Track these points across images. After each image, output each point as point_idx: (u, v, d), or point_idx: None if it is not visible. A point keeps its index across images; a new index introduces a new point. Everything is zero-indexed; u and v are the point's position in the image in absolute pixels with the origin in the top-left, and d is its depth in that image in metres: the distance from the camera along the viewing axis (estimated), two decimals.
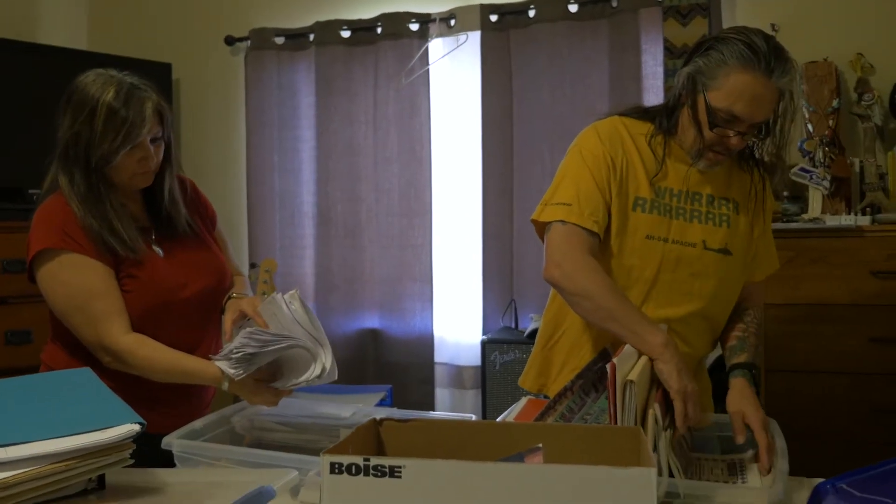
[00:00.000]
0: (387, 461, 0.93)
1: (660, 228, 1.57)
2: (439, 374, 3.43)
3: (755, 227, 1.65)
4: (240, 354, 1.49)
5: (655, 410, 1.30)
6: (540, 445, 1.11)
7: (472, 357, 3.29)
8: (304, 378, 1.53)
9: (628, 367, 1.35)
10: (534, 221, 1.62)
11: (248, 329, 1.55)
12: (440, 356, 3.43)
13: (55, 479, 1.01)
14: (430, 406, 3.39)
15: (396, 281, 3.43)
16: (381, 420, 1.17)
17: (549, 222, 1.56)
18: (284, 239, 3.65)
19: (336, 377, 1.54)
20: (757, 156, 1.63)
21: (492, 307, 3.29)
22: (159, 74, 3.68)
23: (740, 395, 1.48)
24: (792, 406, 2.49)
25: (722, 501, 1.17)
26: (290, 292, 1.59)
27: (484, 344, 3.06)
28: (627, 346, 1.42)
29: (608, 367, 1.31)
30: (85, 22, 4.05)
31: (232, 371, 1.51)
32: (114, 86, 1.60)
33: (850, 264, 2.50)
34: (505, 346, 2.98)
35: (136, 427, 1.08)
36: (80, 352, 1.64)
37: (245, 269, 3.71)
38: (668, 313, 1.57)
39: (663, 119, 1.60)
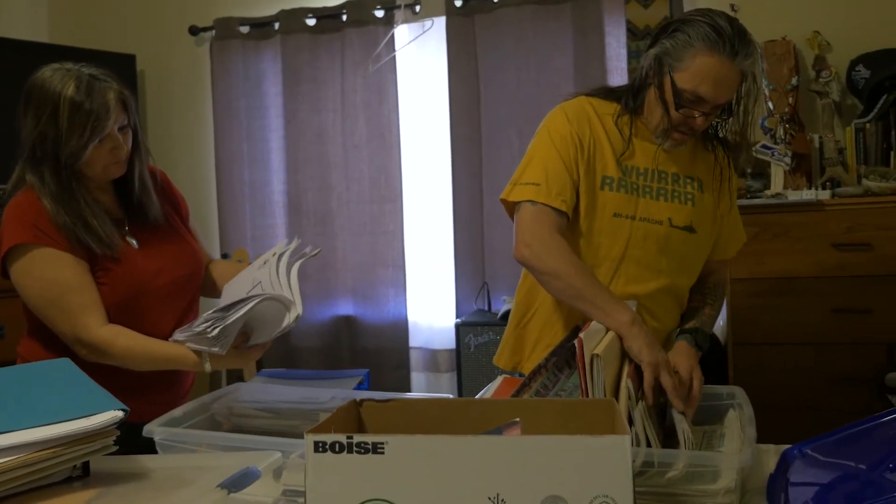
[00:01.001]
0: (369, 438, 0.95)
1: (627, 206, 1.61)
2: (414, 358, 3.47)
3: (720, 205, 1.69)
4: (216, 331, 1.51)
5: (628, 385, 1.34)
6: (518, 420, 1.14)
7: (447, 340, 3.33)
8: (284, 326, 1.56)
9: (595, 342, 1.39)
10: (503, 201, 1.64)
11: (206, 313, 1.58)
12: (415, 341, 3.46)
13: (42, 466, 1.01)
14: (407, 390, 3.42)
15: (369, 267, 3.45)
16: (362, 401, 1.18)
17: (519, 202, 1.59)
18: (255, 229, 3.64)
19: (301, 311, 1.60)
20: (721, 136, 1.67)
21: (464, 290, 3.32)
22: (123, 66, 3.64)
23: (676, 351, 1.54)
24: (759, 378, 2.56)
25: (693, 468, 1.21)
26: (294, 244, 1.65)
27: (458, 327, 3.09)
28: (594, 322, 1.46)
29: (576, 343, 1.35)
30: (45, 14, 3.98)
31: (216, 349, 1.54)
32: (73, 79, 1.57)
33: (812, 237, 2.57)
34: (479, 328, 3.01)
35: (120, 413, 1.09)
36: (57, 345, 1.63)
37: None
38: (637, 290, 1.61)
39: (629, 99, 1.63)
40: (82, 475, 1.10)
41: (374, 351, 3.45)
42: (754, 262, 2.58)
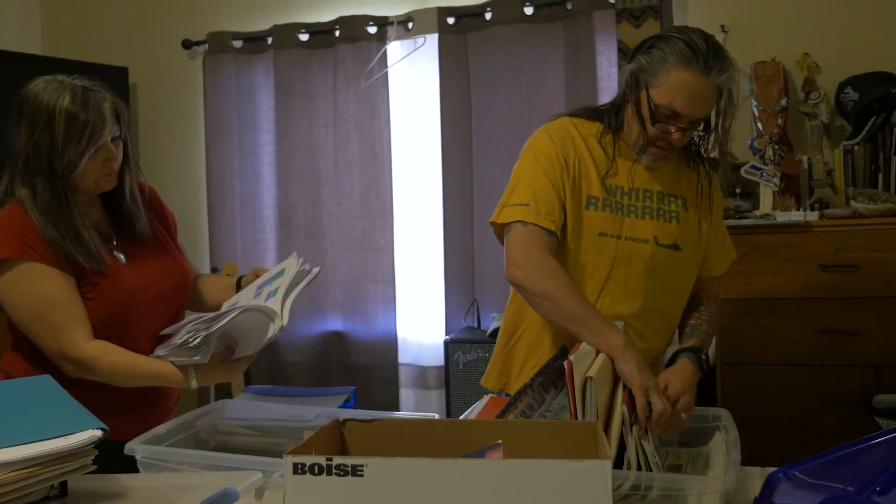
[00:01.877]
0: (349, 460, 0.95)
1: (612, 226, 1.61)
2: (403, 374, 3.45)
3: (703, 222, 1.69)
4: (197, 340, 1.51)
5: (623, 410, 1.33)
6: (500, 442, 1.13)
7: (436, 357, 3.32)
8: (268, 337, 1.56)
9: (586, 364, 1.38)
10: (493, 224, 1.64)
11: (185, 322, 1.58)
12: (404, 357, 3.45)
13: (17, 486, 1.00)
14: (395, 407, 3.41)
15: (359, 283, 3.44)
16: (345, 421, 1.18)
17: (509, 223, 1.59)
18: (246, 242, 3.63)
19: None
20: (703, 153, 1.68)
21: (454, 307, 3.32)
22: (116, 78, 3.64)
23: (673, 369, 1.52)
24: (748, 398, 2.56)
25: (678, 490, 1.20)
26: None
27: (447, 344, 3.09)
28: (584, 344, 1.45)
29: (565, 364, 1.34)
30: (38, 26, 3.98)
31: (198, 358, 1.53)
32: (68, 90, 1.57)
33: (800, 258, 2.57)
34: (468, 345, 3.01)
35: (99, 433, 1.08)
36: (41, 361, 1.62)
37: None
38: (623, 310, 1.61)
39: (611, 118, 1.64)
40: (60, 495, 1.09)
41: (363, 367, 3.43)
42: (743, 282, 2.58)
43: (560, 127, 1.66)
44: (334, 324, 3.52)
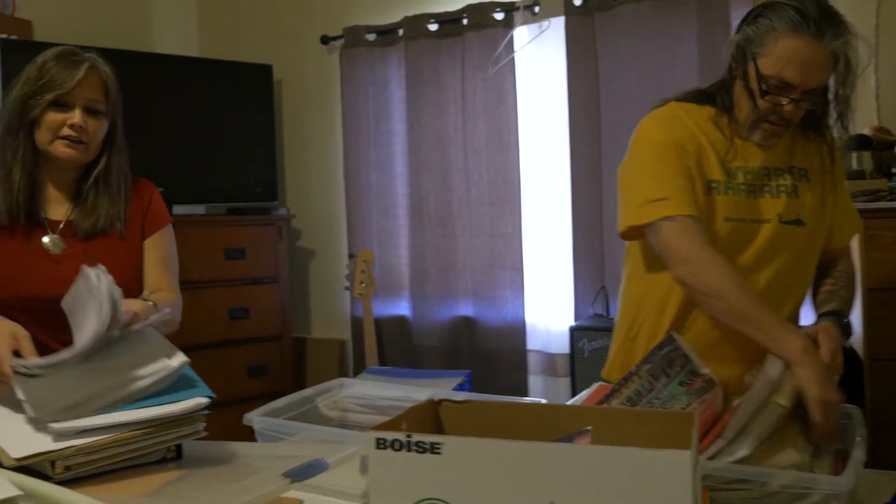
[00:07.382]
0: (428, 438, 0.97)
1: (736, 209, 1.55)
2: (532, 361, 3.44)
3: (827, 194, 1.59)
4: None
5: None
6: (589, 428, 1.12)
7: (563, 344, 3.27)
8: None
9: (773, 386, 1.31)
10: (630, 228, 1.55)
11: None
12: (532, 343, 3.43)
13: (133, 446, 1.11)
14: (524, 393, 3.40)
15: (488, 269, 3.46)
16: (440, 401, 1.21)
17: (651, 223, 1.51)
18: (381, 230, 3.75)
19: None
20: (823, 127, 1.57)
21: (582, 294, 3.26)
22: (261, 76, 3.86)
23: (820, 327, 1.43)
24: None
25: (788, 488, 1.14)
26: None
27: (572, 331, 3.05)
28: (770, 362, 1.36)
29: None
30: (196, 29, 4.29)
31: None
32: (61, 48, 1.64)
33: None
34: (593, 332, 2.95)
35: (205, 400, 1.16)
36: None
37: (342, 260, 3.84)
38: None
39: (723, 96, 1.57)
40: (176, 457, 1.19)
41: (492, 353, 3.45)
42: (892, 270, 2.37)
43: (669, 113, 1.60)
44: (464, 309, 3.56)
